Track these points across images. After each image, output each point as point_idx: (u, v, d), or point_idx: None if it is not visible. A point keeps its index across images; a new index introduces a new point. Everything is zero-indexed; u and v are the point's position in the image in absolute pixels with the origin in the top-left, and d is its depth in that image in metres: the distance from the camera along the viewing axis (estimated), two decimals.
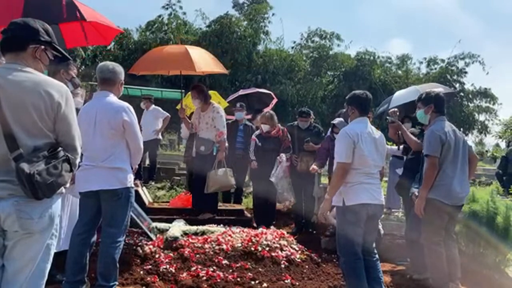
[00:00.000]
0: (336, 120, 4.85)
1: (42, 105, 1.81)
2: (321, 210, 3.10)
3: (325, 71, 17.45)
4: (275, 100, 8.40)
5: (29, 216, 1.78)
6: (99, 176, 2.79)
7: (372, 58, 16.88)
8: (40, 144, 1.82)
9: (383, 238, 4.23)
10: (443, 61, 17.57)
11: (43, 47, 1.92)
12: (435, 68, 17.74)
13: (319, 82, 16.65)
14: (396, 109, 4.64)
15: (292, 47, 18.46)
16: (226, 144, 4.99)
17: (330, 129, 5.04)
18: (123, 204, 2.85)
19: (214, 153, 4.71)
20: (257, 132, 5.59)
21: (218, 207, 5.13)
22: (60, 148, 1.86)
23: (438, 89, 5.45)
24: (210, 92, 10.06)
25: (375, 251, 3.16)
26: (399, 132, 4.18)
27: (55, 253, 2.30)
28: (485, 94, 17.26)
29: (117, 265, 2.84)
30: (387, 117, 4.35)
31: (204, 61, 4.88)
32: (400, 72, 17.87)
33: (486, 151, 19.06)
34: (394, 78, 16.97)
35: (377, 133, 3.18)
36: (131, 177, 2.90)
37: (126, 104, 2.89)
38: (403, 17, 54.52)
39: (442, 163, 3.41)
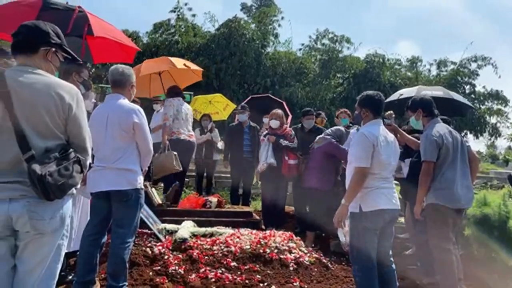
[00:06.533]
0: None
1: (53, 107, 1.83)
2: (337, 217, 2.94)
3: (334, 74, 17.42)
4: (290, 117, 8.42)
5: (40, 217, 1.79)
6: (109, 177, 2.82)
7: (381, 60, 16.81)
8: (52, 146, 1.84)
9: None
10: (454, 63, 17.43)
11: (54, 49, 1.94)
12: (446, 70, 17.61)
13: (328, 84, 16.63)
14: (391, 112, 4.57)
15: (300, 49, 18.48)
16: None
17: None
18: (133, 205, 2.86)
19: None
20: (265, 132, 5.60)
21: (226, 209, 5.15)
22: (71, 150, 1.88)
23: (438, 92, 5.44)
24: (217, 94, 10.18)
25: (392, 259, 3.05)
26: (397, 135, 4.12)
27: (66, 254, 2.33)
28: (497, 96, 17.06)
29: (127, 265, 2.86)
30: (383, 119, 4.31)
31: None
32: (409, 74, 17.76)
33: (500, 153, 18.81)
34: (404, 80, 16.86)
35: (391, 136, 3.10)
36: (141, 178, 2.91)
37: (136, 106, 2.93)
38: (412, 19, 54.11)
39: (441, 167, 3.37)
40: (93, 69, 13.89)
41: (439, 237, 3.36)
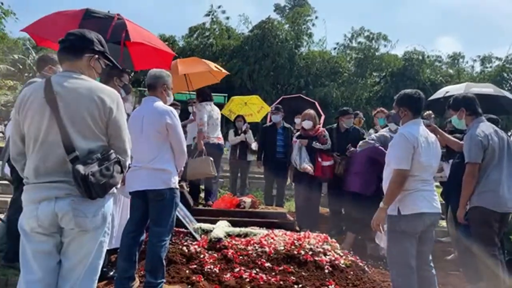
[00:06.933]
0: None
1: (96, 110, 1.92)
2: (375, 220, 2.86)
3: (370, 72, 17.05)
4: (323, 117, 8.37)
5: (84, 214, 1.88)
6: (145, 177, 2.91)
7: (420, 57, 16.25)
8: (94, 147, 1.92)
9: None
10: (499, 59, 16.56)
11: (97, 56, 2.04)
12: (490, 67, 16.76)
13: (364, 83, 16.30)
14: (430, 112, 4.37)
15: (335, 48, 18.23)
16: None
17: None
18: (168, 204, 2.93)
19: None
20: (297, 133, 5.58)
21: (261, 209, 5.17)
22: (112, 151, 1.96)
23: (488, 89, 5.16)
24: (254, 96, 10.24)
25: (432, 264, 2.94)
26: (437, 136, 3.97)
27: (108, 250, 2.42)
28: None
29: (164, 262, 2.93)
30: (423, 120, 4.17)
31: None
32: (451, 71, 17.06)
33: None
34: (445, 77, 16.21)
35: (432, 137, 2.98)
36: (175, 178, 2.98)
37: (170, 108, 3.01)
38: (452, 13, 51.64)
39: (486, 168, 3.21)
40: (132, 73, 14.42)
41: (484, 242, 3.20)
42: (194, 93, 5.95)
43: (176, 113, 3.01)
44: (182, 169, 3.20)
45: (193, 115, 6.08)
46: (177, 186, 3.01)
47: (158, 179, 2.90)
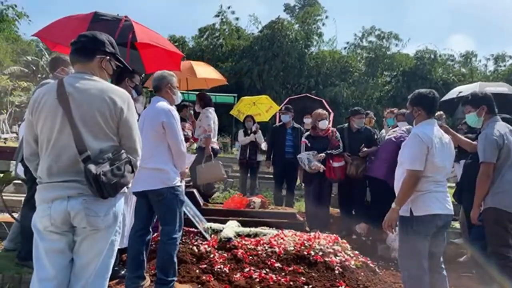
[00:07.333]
0: None
1: (107, 111, 1.94)
2: (387, 221, 2.83)
3: (381, 72, 16.94)
4: (332, 115, 8.43)
5: (95, 213, 1.90)
6: (143, 177, 2.87)
7: (432, 56, 16.08)
8: (105, 147, 1.95)
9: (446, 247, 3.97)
10: None
11: (108, 57, 2.07)
12: (504, 66, 16.50)
13: (375, 83, 16.20)
14: (441, 112, 4.29)
15: (345, 48, 18.15)
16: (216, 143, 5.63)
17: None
18: (169, 203, 2.93)
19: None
20: (306, 133, 5.57)
21: (271, 210, 5.17)
22: (122, 151, 1.98)
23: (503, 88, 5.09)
24: (263, 96, 10.28)
25: (443, 265, 2.91)
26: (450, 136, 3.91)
27: (119, 250, 2.45)
28: None
29: (175, 260, 2.96)
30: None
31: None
32: (464, 70, 16.85)
33: None
34: (458, 77, 16.02)
35: (446, 137, 2.94)
36: (175, 177, 2.95)
37: (169, 107, 3.01)
38: (464, 10, 50.90)
39: (500, 169, 3.16)
40: (143, 75, 14.56)
41: (498, 243, 3.15)
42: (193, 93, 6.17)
43: (175, 112, 3.02)
44: (186, 170, 3.21)
45: (190, 117, 6.31)
46: (179, 184, 2.99)
47: (156, 179, 2.90)
